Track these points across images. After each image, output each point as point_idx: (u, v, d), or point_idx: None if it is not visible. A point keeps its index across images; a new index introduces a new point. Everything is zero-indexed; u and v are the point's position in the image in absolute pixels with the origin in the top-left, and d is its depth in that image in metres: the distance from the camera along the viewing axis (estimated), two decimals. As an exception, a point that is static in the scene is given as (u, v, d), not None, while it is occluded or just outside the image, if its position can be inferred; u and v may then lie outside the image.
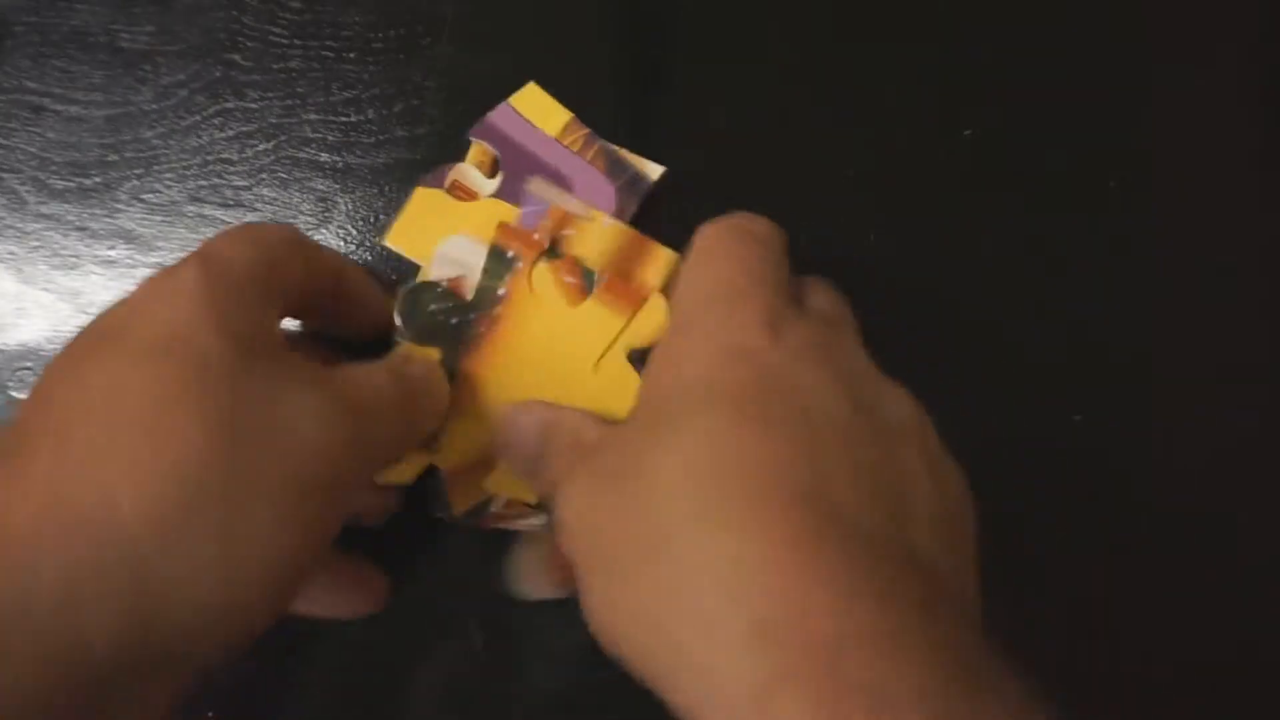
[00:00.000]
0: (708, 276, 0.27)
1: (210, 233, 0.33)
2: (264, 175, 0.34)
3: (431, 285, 0.30)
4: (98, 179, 0.34)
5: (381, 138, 0.34)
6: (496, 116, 0.33)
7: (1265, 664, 0.33)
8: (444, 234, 0.31)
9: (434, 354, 0.30)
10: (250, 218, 0.34)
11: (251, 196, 0.34)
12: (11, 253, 0.34)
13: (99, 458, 0.21)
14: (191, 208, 0.34)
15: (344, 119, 0.34)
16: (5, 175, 0.34)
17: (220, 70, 0.34)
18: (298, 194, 0.34)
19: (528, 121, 0.33)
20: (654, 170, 0.33)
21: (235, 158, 0.34)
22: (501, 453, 0.30)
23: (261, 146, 0.34)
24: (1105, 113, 0.35)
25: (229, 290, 0.24)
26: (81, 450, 0.21)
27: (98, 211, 0.34)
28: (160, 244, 0.34)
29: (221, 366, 0.23)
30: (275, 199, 0.34)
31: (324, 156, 0.34)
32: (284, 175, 0.34)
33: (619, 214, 0.32)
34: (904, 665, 0.20)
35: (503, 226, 0.31)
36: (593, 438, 0.27)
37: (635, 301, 0.31)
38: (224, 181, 0.34)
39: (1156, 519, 0.32)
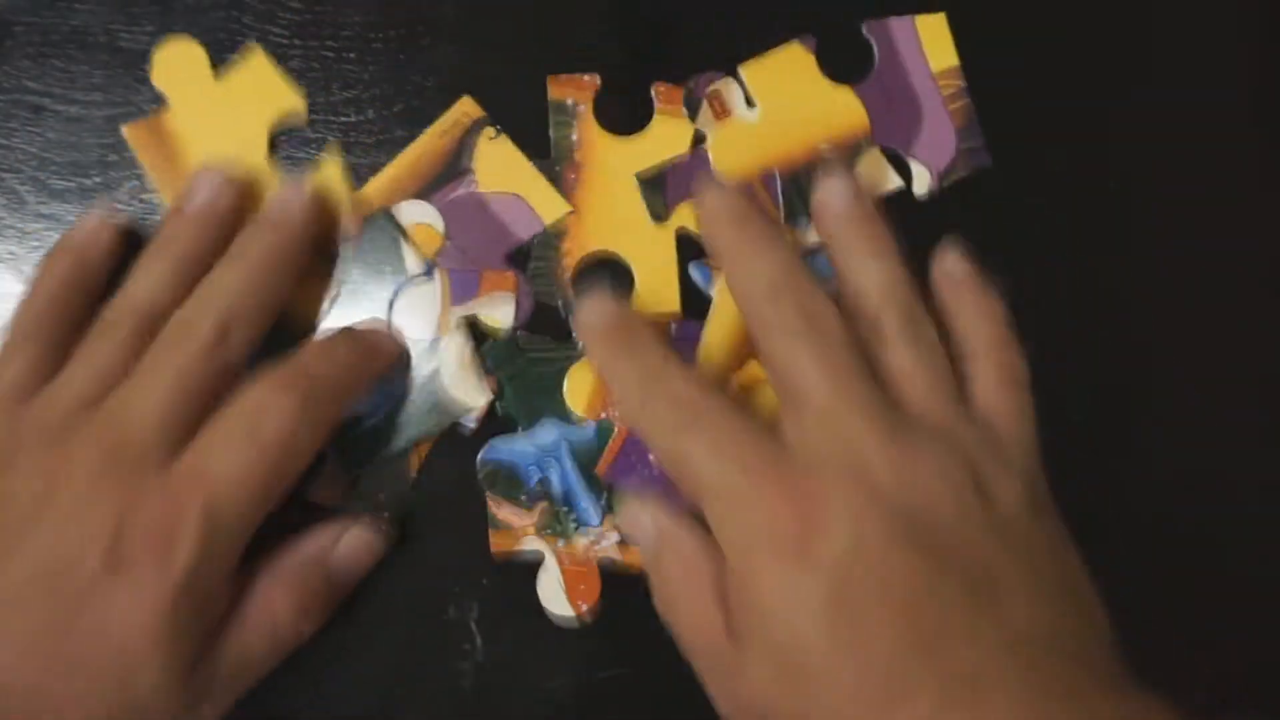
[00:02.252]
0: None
1: None
2: None
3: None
4: (98, 179, 0.34)
5: (381, 138, 0.34)
6: (895, 23, 0.35)
7: (1265, 664, 0.33)
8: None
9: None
10: None
11: None
12: (12, 253, 0.34)
13: None
14: None
15: (344, 119, 0.34)
16: (5, 175, 0.34)
17: (220, 70, 0.34)
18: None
19: (920, 45, 0.34)
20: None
21: None
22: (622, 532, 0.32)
23: None
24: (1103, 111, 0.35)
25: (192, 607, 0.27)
26: None
27: None
28: None
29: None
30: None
31: (324, 157, 0.34)
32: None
33: (944, 171, 0.34)
34: None
35: (552, 78, 0.34)
36: (710, 577, 0.28)
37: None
38: None
39: (1148, 523, 0.33)
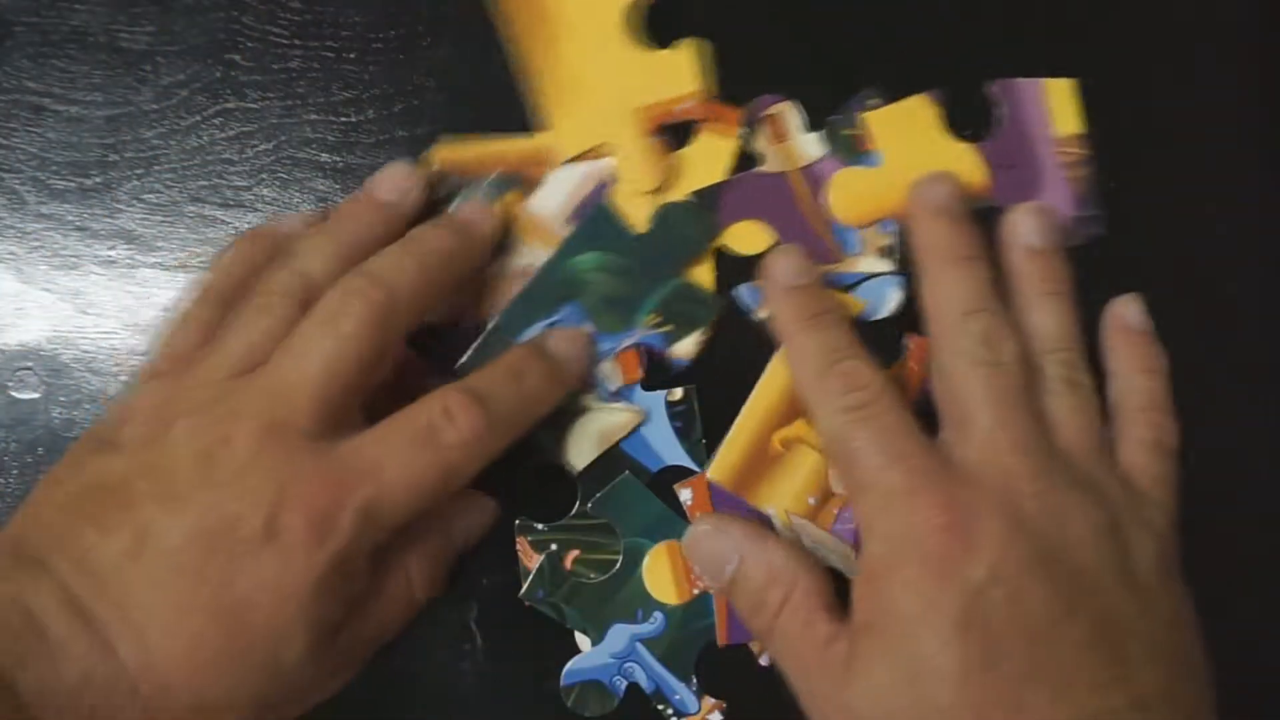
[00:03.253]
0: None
1: (210, 233, 0.34)
2: (264, 175, 0.34)
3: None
4: (98, 179, 0.34)
5: (382, 138, 0.34)
6: (1023, 84, 0.34)
7: (1263, 666, 0.33)
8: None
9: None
10: (250, 218, 0.34)
11: (251, 197, 0.34)
12: (12, 252, 0.34)
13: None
14: (192, 208, 0.34)
15: (344, 119, 0.34)
16: (5, 175, 0.34)
17: (220, 70, 0.34)
18: (298, 194, 0.34)
19: (1047, 109, 0.34)
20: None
21: (235, 158, 0.34)
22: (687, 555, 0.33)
23: (262, 147, 0.34)
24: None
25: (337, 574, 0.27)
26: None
27: (98, 211, 0.34)
28: (160, 244, 0.34)
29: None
30: (275, 199, 0.34)
31: (324, 157, 0.34)
32: (284, 175, 0.34)
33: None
34: None
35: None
36: (809, 586, 0.30)
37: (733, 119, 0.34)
38: (224, 182, 0.34)
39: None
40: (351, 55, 0.35)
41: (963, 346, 0.30)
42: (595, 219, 0.33)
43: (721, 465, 0.33)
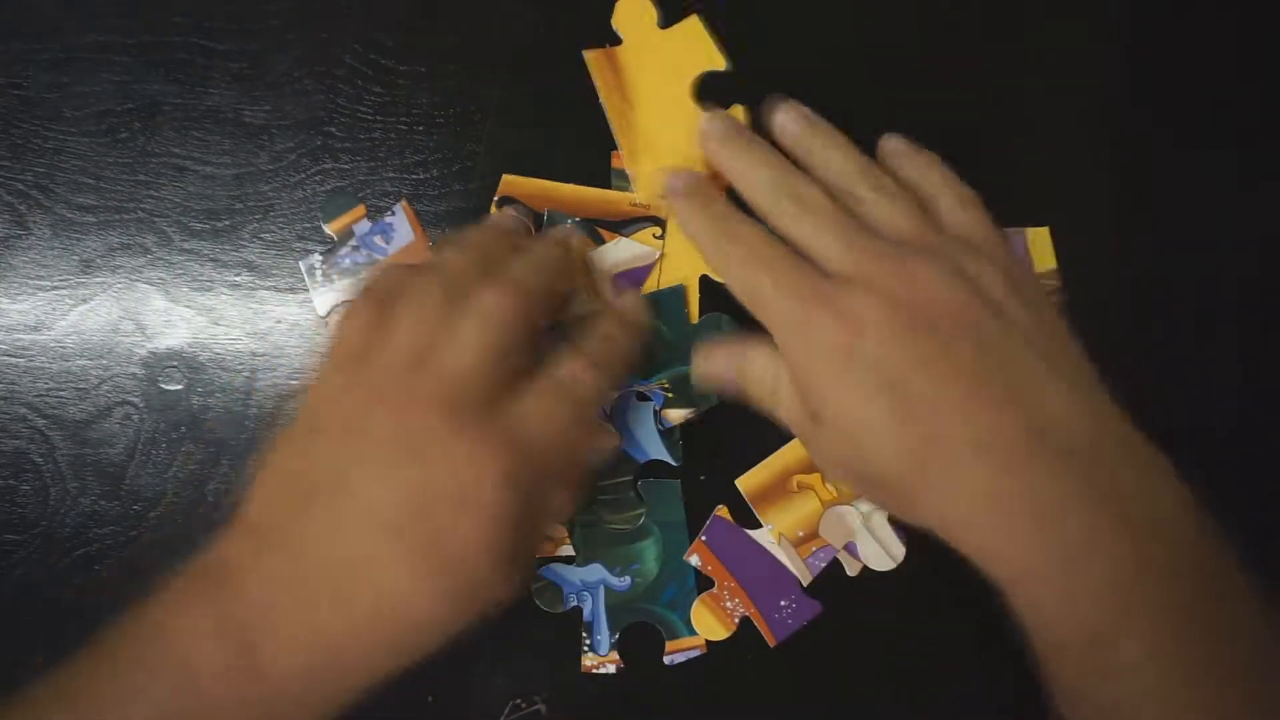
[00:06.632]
0: None
1: None
2: None
3: None
4: (226, 222, 0.44)
5: (443, 190, 0.43)
6: (1010, 232, 0.41)
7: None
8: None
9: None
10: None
11: None
12: (161, 278, 0.43)
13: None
14: (298, 244, 0.43)
15: (414, 176, 0.44)
16: (156, 219, 0.43)
17: (320, 139, 0.44)
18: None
19: (1027, 249, 0.42)
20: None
21: None
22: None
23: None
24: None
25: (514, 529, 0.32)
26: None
27: (226, 247, 0.43)
28: (274, 272, 0.43)
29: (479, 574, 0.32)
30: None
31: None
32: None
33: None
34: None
35: (616, 152, 0.42)
36: (788, 377, 0.36)
37: None
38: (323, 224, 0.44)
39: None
40: (420, 128, 0.44)
41: (781, 209, 0.36)
42: (670, 293, 0.41)
43: (750, 480, 0.41)
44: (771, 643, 0.41)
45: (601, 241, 0.42)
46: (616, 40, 0.43)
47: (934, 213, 0.37)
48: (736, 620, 0.41)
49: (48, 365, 0.43)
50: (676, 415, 0.41)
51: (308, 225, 0.44)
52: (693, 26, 0.43)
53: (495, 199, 0.42)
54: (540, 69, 0.44)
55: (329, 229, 0.43)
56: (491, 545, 0.31)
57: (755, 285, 0.36)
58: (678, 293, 0.41)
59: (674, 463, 0.42)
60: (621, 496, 0.41)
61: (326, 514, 0.31)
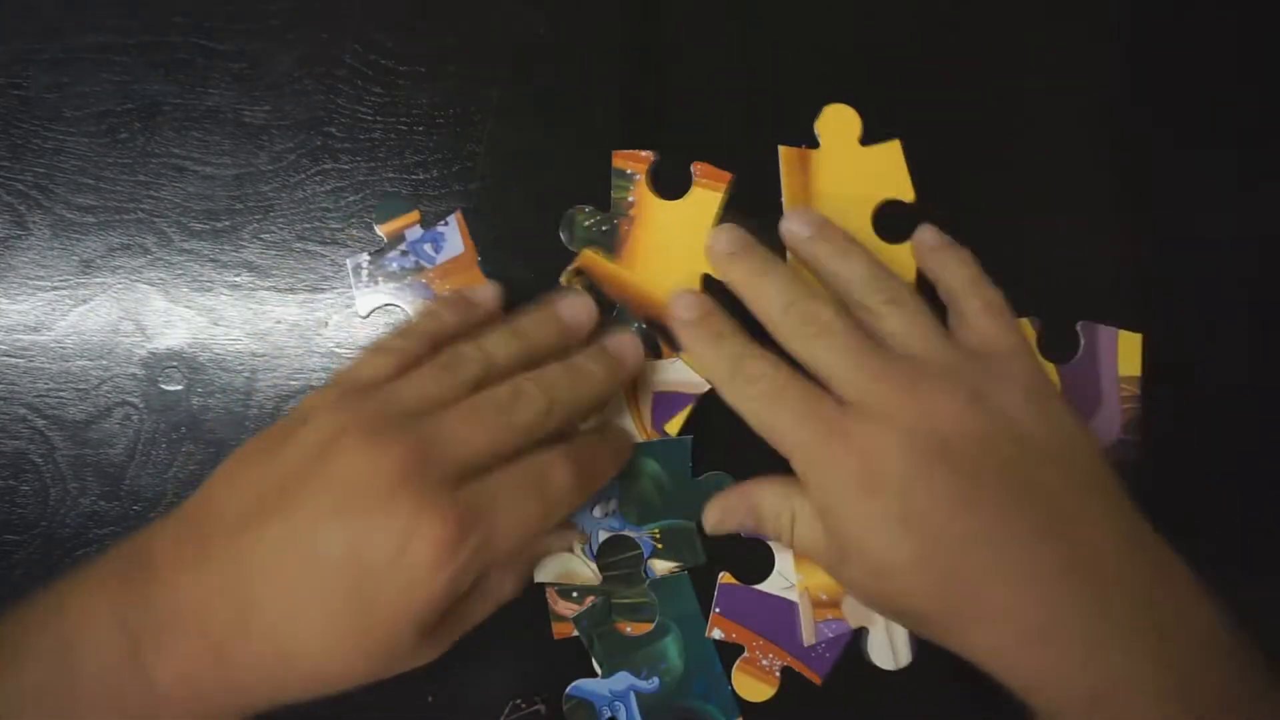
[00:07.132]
0: None
1: (312, 264, 0.43)
2: (354, 220, 0.44)
3: (582, 208, 0.42)
4: (226, 223, 0.44)
5: (443, 190, 0.44)
6: (1103, 329, 0.41)
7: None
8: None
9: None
10: (342, 252, 0.43)
11: (344, 236, 0.44)
12: (161, 278, 0.44)
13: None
14: (298, 244, 0.44)
15: (414, 177, 0.44)
16: (156, 219, 0.44)
17: (320, 140, 0.44)
18: (380, 235, 0.44)
19: (1115, 351, 0.41)
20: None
21: (331, 206, 0.44)
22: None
23: (352, 198, 0.44)
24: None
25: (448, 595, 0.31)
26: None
27: (226, 247, 0.44)
28: (274, 272, 0.44)
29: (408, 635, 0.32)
30: (361, 238, 0.44)
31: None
32: (369, 220, 0.44)
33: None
34: None
35: (617, 152, 0.42)
36: (807, 512, 0.36)
37: (725, 178, 0.42)
38: (323, 224, 0.44)
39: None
40: (420, 129, 0.44)
41: (794, 331, 0.36)
42: (676, 444, 0.41)
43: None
44: (817, 681, 0.41)
45: (659, 356, 0.41)
46: (799, 142, 0.43)
47: (956, 315, 0.37)
48: (778, 674, 0.41)
49: (48, 366, 0.43)
50: (662, 567, 0.41)
51: (308, 225, 0.44)
52: (892, 150, 0.42)
53: (570, 268, 0.42)
54: (540, 69, 0.44)
55: (381, 230, 0.43)
56: (415, 616, 0.31)
57: (772, 422, 0.35)
58: (683, 444, 0.41)
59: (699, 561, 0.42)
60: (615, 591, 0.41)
61: (273, 545, 0.31)
